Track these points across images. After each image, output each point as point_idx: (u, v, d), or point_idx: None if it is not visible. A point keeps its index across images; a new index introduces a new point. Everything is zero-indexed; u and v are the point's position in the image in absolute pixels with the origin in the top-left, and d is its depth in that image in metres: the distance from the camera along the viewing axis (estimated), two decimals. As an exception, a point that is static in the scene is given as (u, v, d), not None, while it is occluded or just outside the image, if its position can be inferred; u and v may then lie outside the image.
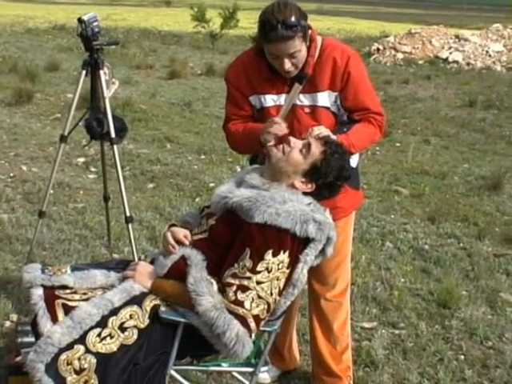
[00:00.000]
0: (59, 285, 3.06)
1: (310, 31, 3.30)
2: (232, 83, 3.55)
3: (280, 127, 3.22)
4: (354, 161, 3.57)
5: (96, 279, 3.13)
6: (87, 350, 2.80)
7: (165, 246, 3.17)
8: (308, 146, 3.13)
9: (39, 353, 2.76)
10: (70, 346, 2.79)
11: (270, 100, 3.43)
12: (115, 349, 2.85)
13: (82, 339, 2.82)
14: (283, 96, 3.41)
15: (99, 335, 2.85)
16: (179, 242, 3.13)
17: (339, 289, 3.81)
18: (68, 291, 3.03)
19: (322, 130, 3.19)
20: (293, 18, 3.15)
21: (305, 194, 3.14)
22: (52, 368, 2.76)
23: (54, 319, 2.87)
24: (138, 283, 3.06)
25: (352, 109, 3.42)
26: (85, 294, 3.03)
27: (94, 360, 2.80)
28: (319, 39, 3.40)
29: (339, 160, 3.15)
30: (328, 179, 3.14)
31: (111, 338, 2.86)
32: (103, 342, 2.84)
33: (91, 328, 2.85)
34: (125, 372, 2.85)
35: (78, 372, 2.78)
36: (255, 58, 3.42)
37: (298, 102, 3.40)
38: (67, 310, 2.90)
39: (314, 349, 3.93)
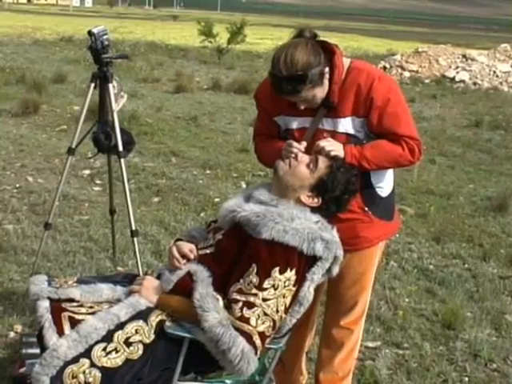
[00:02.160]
0: (66, 298, 3.06)
1: (327, 68, 3.19)
2: (260, 102, 3.55)
3: (295, 150, 3.21)
4: (383, 190, 3.48)
5: (102, 293, 3.13)
6: (92, 364, 2.80)
7: (170, 260, 3.17)
8: (315, 161, 3.14)
9: (44, 366, 2.76)
10: (75, 360, 2.79)
11: (294, 122, 3.40)
12: (120, 363, 2.84)
13: (87, 353, 2.81)
14: (308, 119, 3.36)
15: (105, 349, 2.84)
16: (184, 257, 3.13)
17: (353, 317, 3.74)
18: (74, 304, 3.03)
19: (327, 144, 3.18)
20: (300, 70, 3.07)
21: (313, 210, 3.13)
22: (57, 381, 2.75)
23: (60, 332, 2.87)
24: (144, 298, 3.05)
25: (379, 133, 3.30)
26: (91, 307, 3.03)
27: (98, 374, 2.79)
28: (347, 62, 3.31)
29: (345, 174, 3.15)
30: (334, 193, 3.14)
31: (116, 352, 2.85)
32: (108, 356, 2.83)
33: (97, 342, 2.84)
34: None
35: None
36: None
37: (320, 126, 3.35)
38: (73, 323, 2.90)
39: (316, 371, 3.92)
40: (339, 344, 3.78)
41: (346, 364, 3.84)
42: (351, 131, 3.31)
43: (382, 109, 3.25)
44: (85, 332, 2.84)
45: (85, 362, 2.79)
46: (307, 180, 3.13)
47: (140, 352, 2.89)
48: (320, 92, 3.22)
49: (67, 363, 2.77)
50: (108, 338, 2.86)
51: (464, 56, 20.40)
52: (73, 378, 2.77)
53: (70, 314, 2.94)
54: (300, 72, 3.07)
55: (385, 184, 3.49)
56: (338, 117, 3.30)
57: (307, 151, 3.23)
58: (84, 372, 2.78)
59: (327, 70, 3.21)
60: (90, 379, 2.78)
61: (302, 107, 3.26)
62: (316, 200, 3.14)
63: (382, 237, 3.62)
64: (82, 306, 3.03)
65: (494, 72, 19.23)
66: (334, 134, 3.31)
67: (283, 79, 3.09)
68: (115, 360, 2.84)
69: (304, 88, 3.13)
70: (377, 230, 3.51)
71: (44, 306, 3.00)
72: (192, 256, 3.14)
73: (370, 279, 3.72)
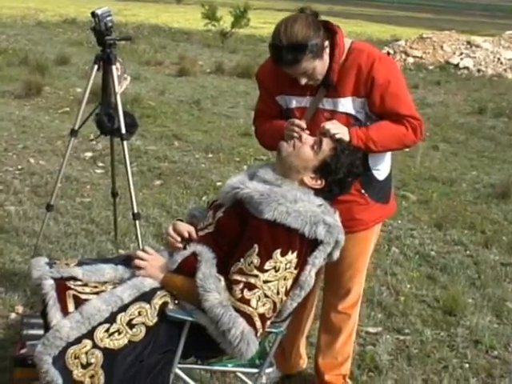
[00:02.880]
0: (68, 276, 3.05)
1: (326, 42, 3.22)
2: (261, 82, 3.57)
3: (298, 129, 3.21)
4: (380, 173, 3.50)
5: (104, 272, 3.12)
6: (95, 345, 2.80)
7: (166, 239, 3.18)
8: (319, 143, 3.14)
9: (47, 345, 2.76)
10: (77, 341, 2.79)
11: (294, 102, 3.42)
12: (123, 345, 2.84)
13: (90, 334, 2.81)
14: (307, 99, 3.38)
15: (107, 331, 2.84)
16: (180, 235, 3.14)
17: (350, 302, 3.77)
18: (79, 283, 3.02)
19: (332, 127, 3.17)
20: (300, 40, 3.10)
21: (316, 193, 3.13)
22: (59, 361, 2.75)
23: (64, 310, 2.87)
24: (148, 275, 3.05)
25: (381, 113, 3.32)
26: (95, 287, 3.02)
27: (100, 355, 2.80)
28: (347, 42, 3.34)
29: (349, 156, 3.15)
30: (338, 176, 3.14)
31: (119, 333, 2.85)
32: (111, 337, 2.83)
33: (100, 323, 2.84)
34: (131, 368, 2.85)
35: (85, 366, 2.78)
36: None
37: (320, 106, 3.37)
38: (77, 302, 2.90)
39: (315, 356, 3.95)
40: (338, 329, 3.81)
41: (345, 349, 3.85)
42: (351, 111, 3.33)
43: (383, 89, 3.27)
44: (88, 313, 2.83)
45: (87, 342, 2.80)
46: (311, 161, 3.13)
47: (142, 334, 2.89)
48: (320, 66, 3.24)
49: (70, 344, 2.78)
50: (111, 319, 2.86)
51: (468, 42, 20.29)
52: (75, 358, 2.77)
53: (75, 293, 2.94)
54: (300, 41, 3.09)
55: (382, 167, 3.51)
56: (338, 96, 3.32)
57: (309, 131, 3.23)
58: (86, 353, 2.78)
59: (327, 44, 3.24)
60: (92, 360, 2.79)
61: (303, 82, 3.27)
62: (319, 182, 3.14)
63: (377, 220, 3.66)
64: (86, 285, 3.02)
65: (499, 59, 19.13)
66: (333, 114, 3.34)
67: (283, 48, 3.11)
68: (118, 341, 2.84)
69: (304, 58, 3.14)
70: (373, 212, 3.54)
71: (49, 283, 2.99)
72: (186, 234, 3.14)
73: (365, 263, 3.75)
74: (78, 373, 2.77)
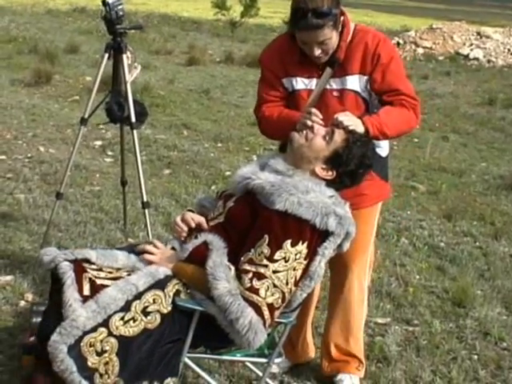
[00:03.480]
0: (82, 258, 3.05)
1: (342, 17, 3.31)
2: (266, 65, 3.56)
3: (315, 118, 3.21)
4: (383, 150, 3.57)
5: (117, 258, 3.12)
6: (110, 333, 2.81)
7: (173, 228, 3.20)
8: (331, 133, 3.13)
9: (63, 335, 2.76)
10: (93, 329, 2.80)
11: (301, 83, 3.45)
12: (138, 332, 2.85)
13: (105, 322, 2.82)
14: (314, 80, 3.42)
15: (122, 318, 2.84)
16: (188, 225, 3.15)
17: (356, 282, 3.78)
18: (93, 267, 3.02)
19: (345, 118, 3.17)
20: (324, 7, 3.16)
21: (327, 183, 3.13)
22: (74, 349, 2.76)
23: (80, 291, 2.86)
24: (160, 263, 3.05)
25: (381, 90, 3.39)
26: (110, 272, 3.02)
27: (115, 343, 2.81)
28: (352, 25, 3.42)
29: (361, 148, 3.15)
30: (349, 167, 3.14)
31: (134, 321, 2.86)
32: (126, 325, 2.84)
33: (115, 312, 2.84)
34: (147, 357, 2.86)
35: (100, 353, 2.79)
36: (289, 41, 3.44)
37: (328, 86, 3.41)
38: (93, 286, 2.90)
39: (325, 337, 3.95)
40: (347, 311, 3.83)
41: (355, 329, 3.87)
42: (358, 89, 3.40)
43: (386, 65, 3.36)
44: (104, 303, 2.83)
45: (102, 330, 2.80)
46: (322, 152, 3.12)
47: (158, 321, 2.89)
48: (334, 39, 3.32)
49: (85, 333, 2.78)
50: (126, 307, 2.86)
51: (478, 33, 20.21)
52: (90, 346, 2.78)
53: (91, 277, 2.94)
54: (324, 7, 3.16)
55: (384, 143, 3.57)
56: (345, 74, 3.39)
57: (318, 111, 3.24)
58: (101, 340, 2.79)
59: (342, 19, 3.32)
60: (107, 347, 2.79)
61: (317, 53, 3.31)
62: (330, 173, 3.14)
63: (380, 197, 3.75)
64: (100, 270, 3.03)
65: (509, 50, 19.04)
66: (342, 92, 3.40)
67: (309, 12, 3.16)
68: (133, 329, 2.84)
69: (327, 24, 3.20)
70: (378, 189, 3.63)
71: (66, 263, 2.97)
72: (193, 224, 3.15)
73: (369, 242, 3.78)
74: (92, 360, 2.78)
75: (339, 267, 3.74)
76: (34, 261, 4.85)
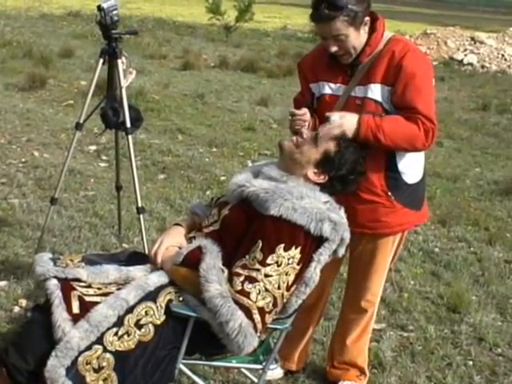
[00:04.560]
0: (73, 277, 3.03)
1: (367, 18, 3.27)
2: (301, 70, 3.64)
3: (300, 121, 3.24)
4: (408, 176, 3.44)
5: (109, 274, 3.09)
6: (105, 349, 2.80)
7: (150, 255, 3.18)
8: (316, 136, 3.17)
9: (60, 357, 2.75)
10: (88, 348, 2.79)
11: (327, 88, 3.46)
12: (133, 346, 2.84)
13: (99, 340, 2.81)
14: (341, 87, 3.40)
15: (116, 334, 2.84)
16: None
17: (367, 302, 3.80)
18: (82, 284, 3.01)
19: (324, 129, 3.18)
20: (340, 0, 3.13)
21: (321, 188, 3.14)
22: (72, 370, 2.75)
23: (69, 309, 2.85)
24: (163, 264, 3.07)
25: (399, 105, 3.27)
26: (99, 288, 3.00)
27: (112, 358, 2.80)
28: (388, 35, 3.36)
29: (354, 154, 3.17)
30: (341, 172, 3.15)
31: (128, 335, 2.85)
32: (121, 340, 2.83)
33: (108, 328, 2.83)
34: (144, 369, 2.85)
35: (97, 370, 2.78)
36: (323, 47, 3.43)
37: (352, 94, 3.37)
38: (82, 303, 2.88)
39: (332, 347, 4.01)
40: (354, 326, 3.86)
41: (358, 344, 3.90)
42: (380, 99, 3.31)
43: (408, 79, 3.24)
44: (95, 321, 2.82)
45: (98, 348, 2.80)
46: (313, 155, 3.14)
47: (151, 334, 2.89)
48: (353, 37, 3.25)
49: (80, 352, 2.77)
50: (119, 323, 2.86)
51: (472, 39, 20.26)
52: (87, 364, 2.77)
53: (80, 294, 2.92)
54: (340, 0, 3.14)
55: (411, 170, 3.45)
56: (369, 83, 3.32)
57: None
58: (98, 357, 2.78)
59: (367, 20, 3.28)
60: (104, 363, 2.79)
61: (333, 49, 3.28)
62: (322, 177, 3.15)
63: (405, 225, 3.58)
64: (90, 286, 3.00)
65: (503, 55, 19.10)
66: (364, 101, 3.32)
67: (323, 3, 3.15)
68: (128, 343, 2.84)
69: (338, 18, 3.16)
70: (400, 217, 3.47)
71: (53, 283, 2.96)
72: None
73: (385, 267, 3.72)
74: (91, 377, 2.77)
75: (354, 286, 3.79)
76: (28, 266, 4.83)
